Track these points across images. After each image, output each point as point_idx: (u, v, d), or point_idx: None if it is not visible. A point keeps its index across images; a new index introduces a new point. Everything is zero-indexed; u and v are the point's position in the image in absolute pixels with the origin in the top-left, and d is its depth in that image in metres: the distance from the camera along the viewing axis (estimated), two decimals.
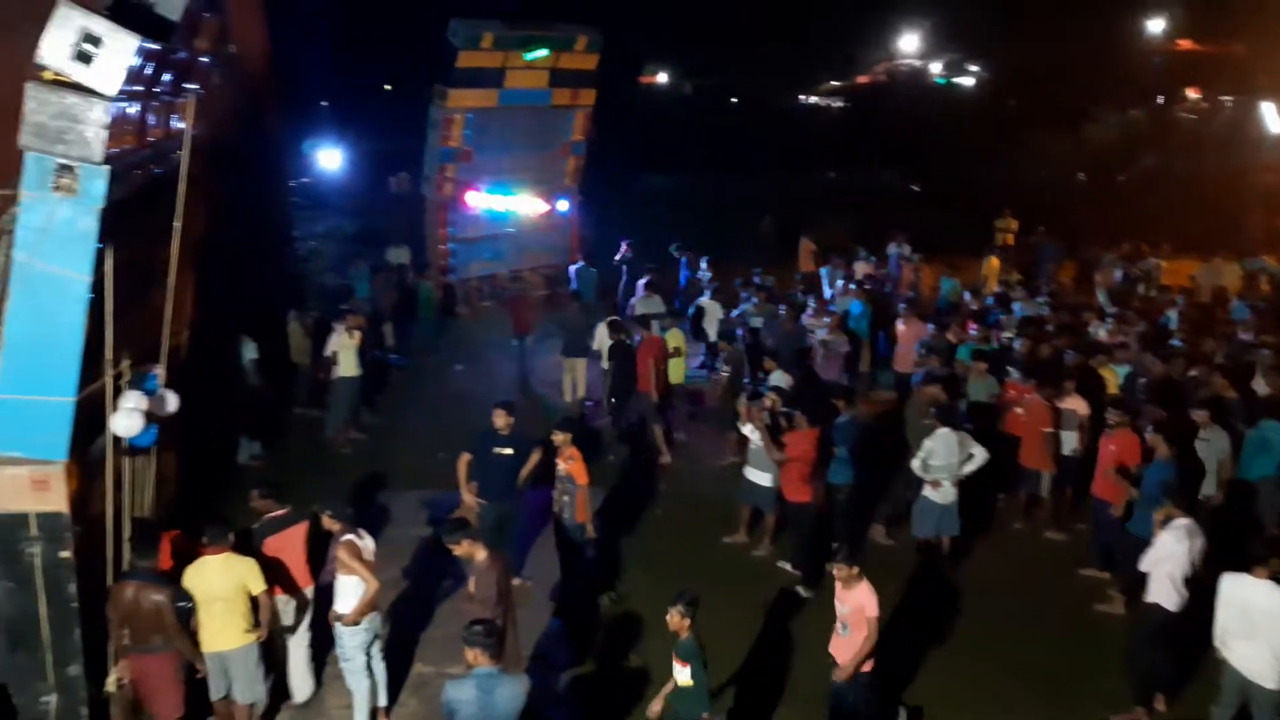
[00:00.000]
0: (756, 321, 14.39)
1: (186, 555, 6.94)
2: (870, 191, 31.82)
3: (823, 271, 17.68)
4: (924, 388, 10.22)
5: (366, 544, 7.07)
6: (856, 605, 6.54)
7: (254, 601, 6.70)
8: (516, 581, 9.00)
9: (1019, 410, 10.29)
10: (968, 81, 54.62)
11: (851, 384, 12.26)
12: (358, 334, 12.29)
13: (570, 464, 8.68)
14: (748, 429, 9.69)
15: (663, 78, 54.37)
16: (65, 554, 6.42)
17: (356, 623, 6.80)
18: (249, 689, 6.81)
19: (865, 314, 14.28)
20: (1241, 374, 10.98)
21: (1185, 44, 47.87)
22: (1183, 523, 7.20)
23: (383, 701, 7.22)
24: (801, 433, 9.20)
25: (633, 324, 13.52)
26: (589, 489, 8.77)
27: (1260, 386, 10.55)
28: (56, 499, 6.31)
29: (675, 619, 5.93)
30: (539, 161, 19.50)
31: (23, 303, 5.93)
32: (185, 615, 6.57)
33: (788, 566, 9.40)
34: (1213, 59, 42.75)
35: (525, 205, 19.10)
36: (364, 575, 6.79)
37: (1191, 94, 45.25)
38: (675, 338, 12.94)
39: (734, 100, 50.47)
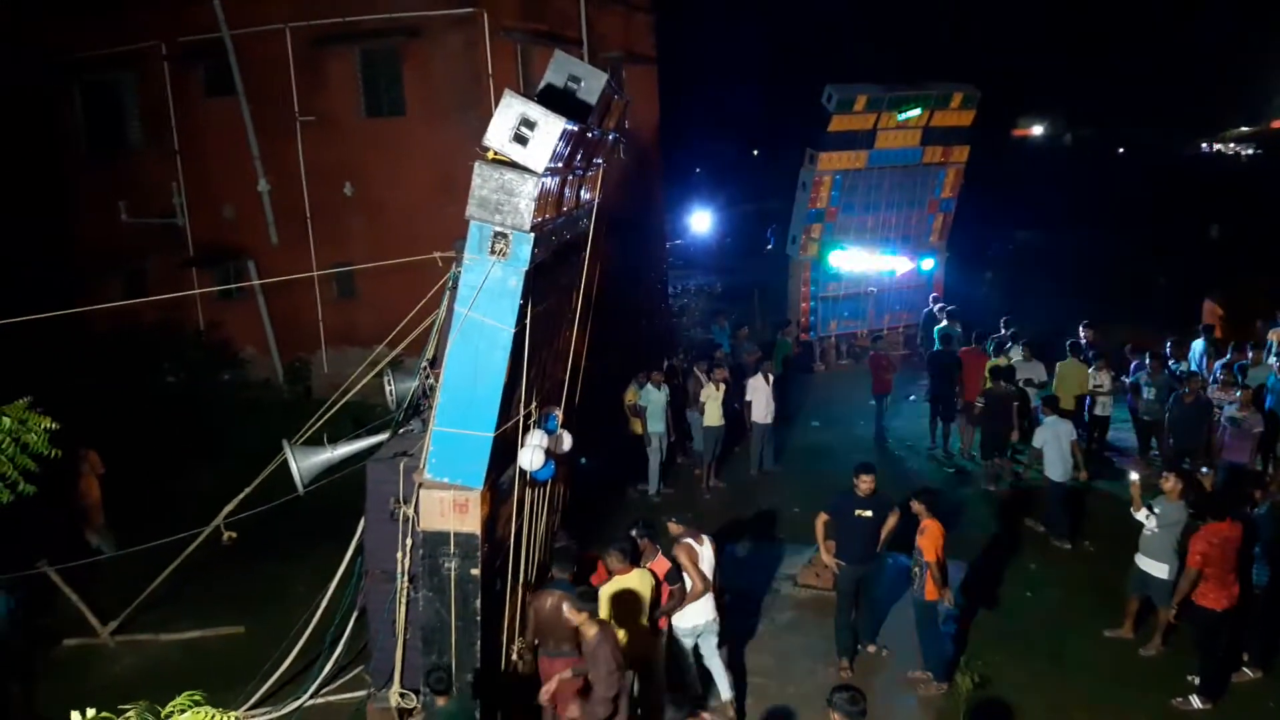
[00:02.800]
0: (1149, 393, 13.05)
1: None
2: None
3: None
4: None
5: (703, 550, 7.84)
6: None
7: None
8: (871, 648, 8.84)
9: None
10: None
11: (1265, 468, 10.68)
12: (723, 386, 12.83)
13: (920, 537, 8.33)
14: (1141, 514, 8.76)
15: (1038, 129, 51.48)
16: (475, 571, 7.27)
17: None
18: None
19: None
20: None
21: None
22: None
23: (725, 695, 7.83)
24: (1213, 526, 8.11)
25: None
26: (941, 565, 8.29)
27: None
28: (472, 521, 7.18)
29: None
30: (906, 219, 19.33)
31: (460, 349, 6.87)
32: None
33: (1194, 680, 8.26)
34: None
35: (889, 264, 18.91)
36: (692, 575, 7.56)
37: None
38: None
39: (1120, 150, 46.50)
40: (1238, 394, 11.70)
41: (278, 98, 16.87)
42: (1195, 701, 7.95)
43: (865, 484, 8.57)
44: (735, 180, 34.35)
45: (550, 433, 7.74)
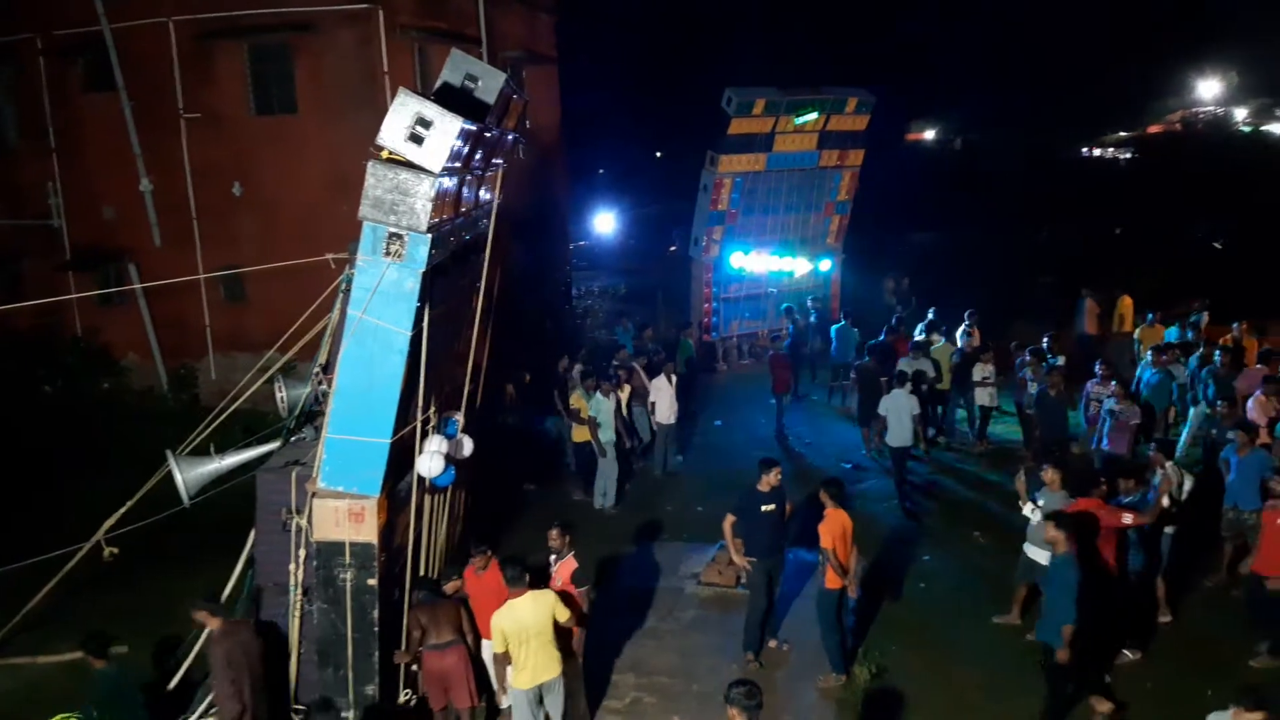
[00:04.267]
0: (1032, 388, 13.60)
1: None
2: (1162, 248, 29.18)
3: None
4: None
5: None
6: None
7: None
8: (774, 643, 8.97)
9: None
10: (1279, 128, 49.28)
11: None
12: (627, 388, 12.85)
13: (820, 524, 8.45)
14: (1027, 509, 9.10)
15: (930, 134, 53.15)
16: (372, 581, 7.12)
17: None
18: (562, 708, 7.26)
19: (1163, 384, 13.08)
20: None
21: None
22: None
23: None
24: (1082, 501, 8.52)
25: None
26: (844, 555, 8.37)
27: None
28: (368, 530, 7.03)
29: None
30: (804, 222, 19.71)
31: (353, 353, 6.71)
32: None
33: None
34: None
35: (788, 265, 19.25)
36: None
37: None
38: None
39: (1007, 154, 48.39)
40: (1114, 385, 12.29)
41: (161, 93, 16.21)
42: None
43: (774, 477, 8.70)
44: (639, 182, 34.51)
45: (450, 438, 7.63)
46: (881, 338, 15.85)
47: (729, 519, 8.81)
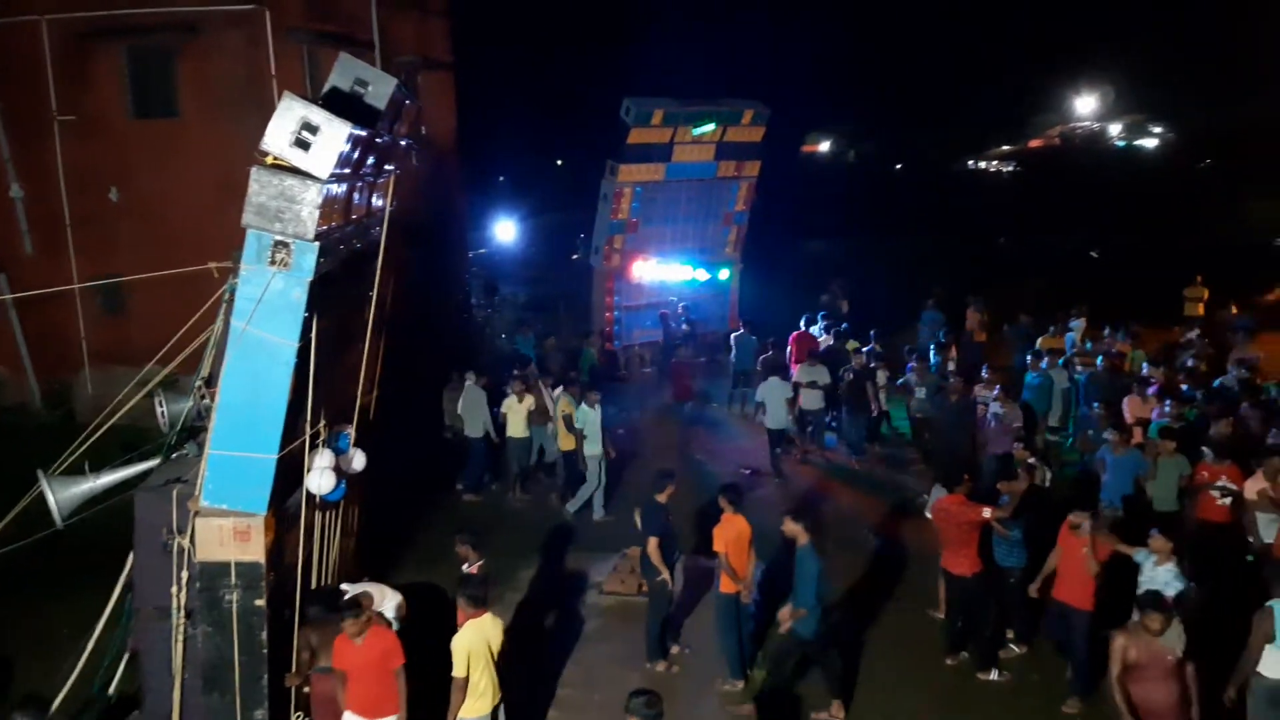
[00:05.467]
0: (920, 393, 14.06)
1: None
2: (1044, 258, 30.57)
3: None
4: None
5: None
6: None
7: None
8: (675, 649, 9.01)
9: (1214, 493, 9.56)
10: (1150, 143, 52.23)
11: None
12: (528, 398, 12.73)
13: (714, 528, 8.55)
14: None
15: (825, 146, 54.51)
16: (259, 602, 6.87)
17: None
18: None
19: (1043, 387, 13.66)
20: None
21: None
22: None
23: None
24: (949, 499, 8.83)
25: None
26: (730, 559, 8.39)
27: None
28: (255, 549, 6.78)
29: None
30: (703, 231, 19.91)
31: (237, 366, 6.47)
32: None
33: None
34: None
35: (687, 274, 19.42)
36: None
37: None
38: None
39: (898, 166, 49.99)
40: (998, 389, 12.78)
41: (33, 95, 15.40)
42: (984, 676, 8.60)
43: (671, 490, 8.83)
44: (541, 190, 34.38)
45: (341, 452, 7.42)
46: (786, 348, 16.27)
47: (654, 542, 8.70)
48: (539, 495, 13.11)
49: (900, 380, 14.93)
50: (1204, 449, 10.05)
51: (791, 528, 7.93)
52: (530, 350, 16.92)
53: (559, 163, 39.23)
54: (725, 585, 8.41)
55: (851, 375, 14.15)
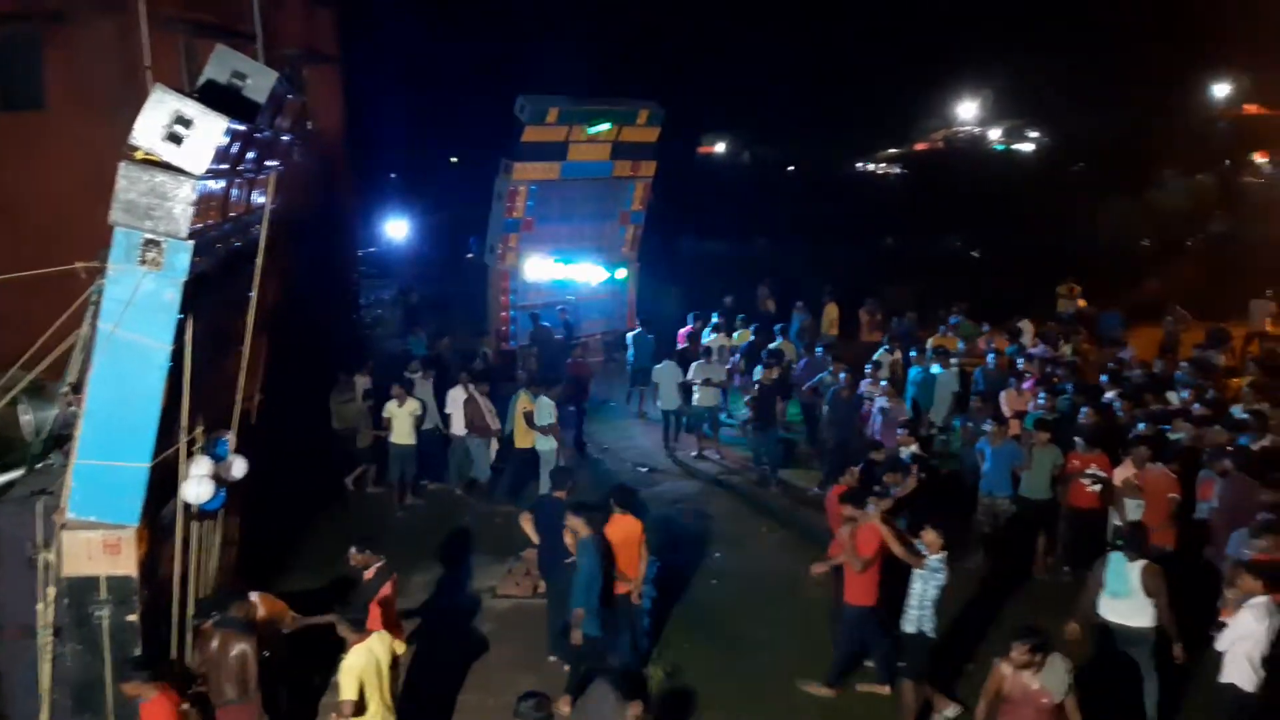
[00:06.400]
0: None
1: None
2: (929, 258, 31.65)
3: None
4: None
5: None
6: None
7: None
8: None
9: (1084, 481, 10.08)
10: (1027, 148, 54.59)
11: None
12: (409, 402, 12.46)
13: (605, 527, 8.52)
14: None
15: (721, 147, 55.16)
16: (132, 618, 6.57)
17: None
18: None
19: (926, 383, 14.12)
20: None
21: (1252, 109, 47.43)
22: (1261, 600, 6.91)
23: None
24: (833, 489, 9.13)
25: None
26: (620, 560, 8.36)
27: None
28: (126, 563, 6.48)
29: None
30: (599, 231, 19.91)
31: (105, 371, 6.17)
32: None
33: None
34: None
35: (583, 273, 19.38)
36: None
37: (1259, 159, 44.66)
38: None
39: (790, 168, 50.97)
40: (884, 384, 13.17)
41: None
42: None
43: (571, 488, 8.93)
44: (434, 187, 33.79)
45: (220, 459, 7.15)
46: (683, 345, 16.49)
47: (527, 516, 9.02)
48: (431, 501, 12.91)
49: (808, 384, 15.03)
50: (1075, 439, 10.56)
51: (572, 522, 7.96)
52: (422, 350, 16.61)
53: (453, 160, 38.61)
54: (618, 587, 8.43)
55: (758, 389, 13.66)
